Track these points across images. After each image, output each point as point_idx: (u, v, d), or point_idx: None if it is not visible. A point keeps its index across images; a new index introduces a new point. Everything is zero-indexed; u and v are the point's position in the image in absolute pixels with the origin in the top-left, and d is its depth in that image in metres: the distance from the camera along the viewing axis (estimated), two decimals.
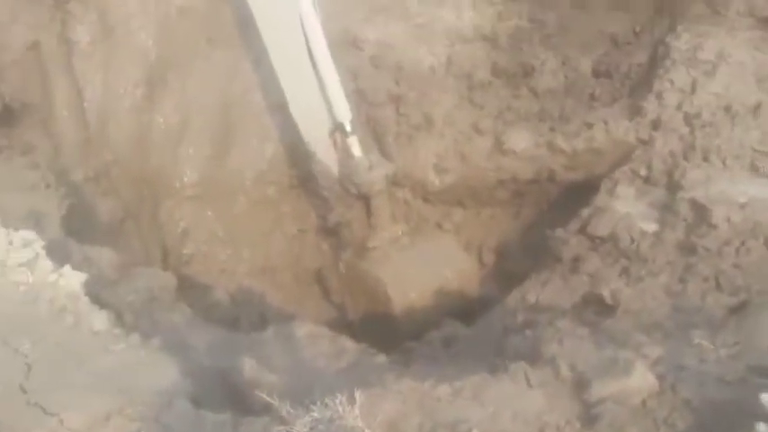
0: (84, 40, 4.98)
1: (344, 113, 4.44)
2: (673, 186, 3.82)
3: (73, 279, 2.36)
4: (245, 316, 4.29)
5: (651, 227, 3.60)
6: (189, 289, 4.24)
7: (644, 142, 4.25)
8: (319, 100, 4.42)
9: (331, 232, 5.16)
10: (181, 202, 5.13)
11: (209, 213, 5.17)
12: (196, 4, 5.28)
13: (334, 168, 4.71)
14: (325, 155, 4.71)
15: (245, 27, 5.31)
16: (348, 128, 4.51)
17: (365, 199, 4.73)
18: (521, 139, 4.75)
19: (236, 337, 3.30)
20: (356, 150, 4.59)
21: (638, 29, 4.92)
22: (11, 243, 2.39)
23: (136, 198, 4.97)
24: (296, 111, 4.65)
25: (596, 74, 4.95)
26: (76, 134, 4.71)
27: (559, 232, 3.95)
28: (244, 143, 5.34)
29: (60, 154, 4.50)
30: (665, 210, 3.70)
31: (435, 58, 5.16)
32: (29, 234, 2.47)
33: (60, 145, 4.54)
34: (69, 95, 4.78)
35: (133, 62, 5.16)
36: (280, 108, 5.28)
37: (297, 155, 5.06)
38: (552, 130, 4.76)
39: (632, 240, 3.56)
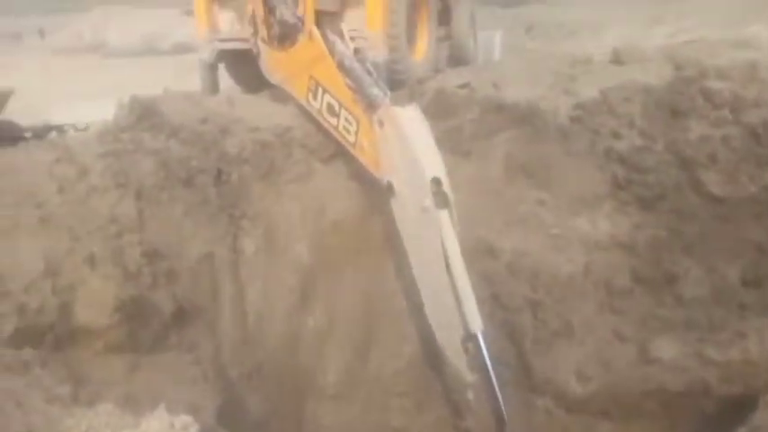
0: (251, 250, 5.59)
1: (477, 325, 4.53)
2: None
3: None
4: None
5: None
6: None
7: None
8: (453, 309, 4.58)
9: None
10: (323, 401, 5.32)
11: (349, 412, 5.29)
12: (348, 219, 5.90)
13: (466, 375, 4.73)
14: (456, 360, 4.78)
15: (390, 240, 5.80)
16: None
17: None
18: (668, 348, 4.61)
19: None
20: None
21: None
22: (172, 426, 2.66)
23: (282, 395, 5.21)
24: (432, 317, 4.86)
25: (744, 282, 4.82)
26: (236, 334, 5.15)
27: None
28: (383, 344, 5.57)
29: (220, 352, 4.92)
30: None
31: (573, 266, 5.28)
32: (187, 419, 2.73)
33: (221, 344, 4.97)
34: (233, 299, 5.30)
35: (290, 270, 5.69)
36: (418, 312, 5.54)
37: (431, 357, 5.18)
38: (701, 340, 4.59)
39: None
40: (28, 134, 7.77)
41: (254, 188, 5.82)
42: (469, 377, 4.73)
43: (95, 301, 4.10)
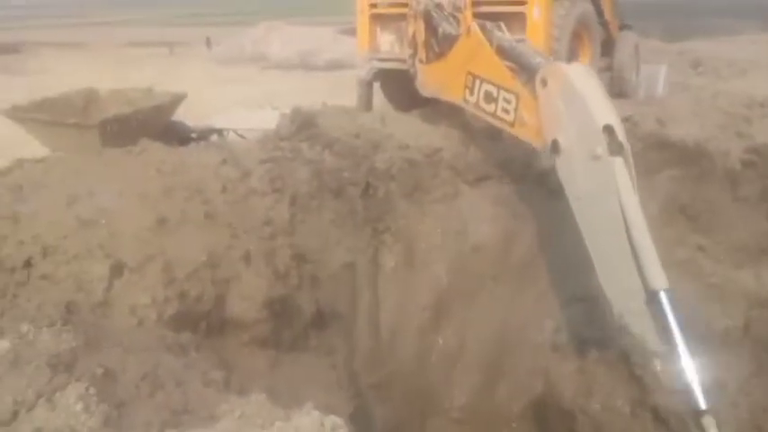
0: (390, 264, 5.70)
1: (660, 282, 4.05)
2: None
3: None
4: None
5: None
6: None
7: None
8: (632, 269, 4.15)
9: None
10: (446, 423, 5.29)
11: None
12: (489, 244, 5.85)
13: (651, 343, 4.24)
14: (639, 328, 4.28)
15: (529, 268, 5.67)
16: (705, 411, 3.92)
17: None
18: None
19: None
20: None
21: None
22: (322, 425, 2.71)
23: (408, 410, 5.24)
24: (606, 284, 4.42)
25: None
26: (369, 344, 5.26)
27: None
28: (514, 376, 5.45)
29: (354, 359, 5.02)
30: None
31: (731, 320, 4.90)
32: (337, 419, 2.77)
33: (355, 351, 5.09)
34: (370, 310, 5.42)
35: (426, 288, 5.73)
36: (553, 347, 5.36)
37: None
38: None
39: None
40: (194, 135, 8.44)
41: (398, 204, 5.93)
42: (655, 345, 4.20)
43: (247, 295, 4.32)
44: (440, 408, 5.39)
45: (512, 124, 5.04)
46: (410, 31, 6.80)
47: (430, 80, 6.51)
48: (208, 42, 28.92)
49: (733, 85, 8.50)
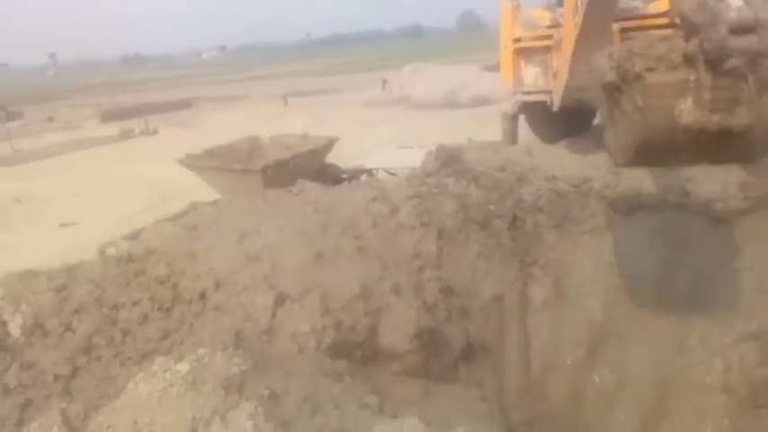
0: (539, 298, 5.59)
1: None
2: None
3: None
4: None
5: None
6: None
7: None
8: None
9: None
10: None
11: None
12: (646, 277, 5.54)
13: None
14: None
15: (693, 302, 5.31)
16: None
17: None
18: None
19: None
20: None
21: None
22: None
23: None
24: None
25: None
26: (519, 379, 5.16)
27: None
28: (678, 420, 5.06)
29: (504, 394, 4.96)
30: None
31: None
32: None
33: (505, 386, 5.03)
34: (519, 344, 5.33)
35: (579, 323, 5.52)
36: (723, 389, 4.95)
37: None
38: None
39: None
40: (345, 176, 8.90)
41: (547, 236, 5.83)
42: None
43: (398, 326, 4.45)
44: None
45: None
46: (555, 63, 6.76)
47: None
48: (384, 84, 30.24)
49: None
